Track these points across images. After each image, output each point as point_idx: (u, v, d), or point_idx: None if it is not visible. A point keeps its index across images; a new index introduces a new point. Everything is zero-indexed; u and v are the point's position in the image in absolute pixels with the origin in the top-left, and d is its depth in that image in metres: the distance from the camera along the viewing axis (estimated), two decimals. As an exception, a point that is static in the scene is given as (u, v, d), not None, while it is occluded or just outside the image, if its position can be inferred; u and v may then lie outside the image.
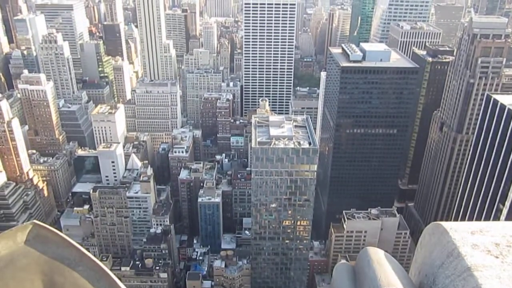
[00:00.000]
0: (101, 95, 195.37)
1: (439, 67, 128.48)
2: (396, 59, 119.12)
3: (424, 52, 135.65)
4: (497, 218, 75.55)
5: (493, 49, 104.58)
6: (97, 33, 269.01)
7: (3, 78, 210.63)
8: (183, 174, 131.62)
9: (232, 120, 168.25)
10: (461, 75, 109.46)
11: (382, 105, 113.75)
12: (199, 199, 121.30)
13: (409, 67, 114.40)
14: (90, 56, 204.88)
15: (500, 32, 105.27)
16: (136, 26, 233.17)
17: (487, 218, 78.54)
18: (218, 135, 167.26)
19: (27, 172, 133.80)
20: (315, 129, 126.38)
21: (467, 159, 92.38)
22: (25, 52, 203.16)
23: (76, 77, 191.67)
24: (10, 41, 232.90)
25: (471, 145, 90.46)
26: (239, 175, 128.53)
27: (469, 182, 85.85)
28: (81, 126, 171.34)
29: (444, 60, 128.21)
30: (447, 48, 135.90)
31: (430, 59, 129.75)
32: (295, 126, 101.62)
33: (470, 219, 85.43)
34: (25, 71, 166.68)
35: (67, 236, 4.41)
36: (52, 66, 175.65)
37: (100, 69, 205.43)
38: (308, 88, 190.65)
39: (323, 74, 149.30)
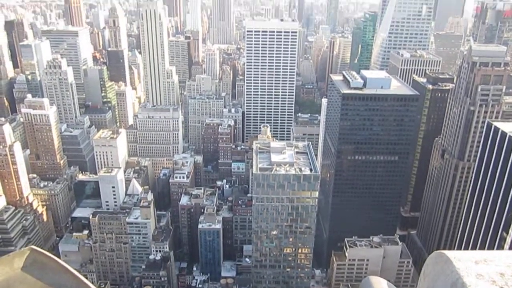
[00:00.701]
0: (104, 120, 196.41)
1: (439, 94, 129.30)
2: (397, 87, 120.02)
3: (424, 80, 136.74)
4: (501, 246, 74.62)
5: (492, 77, 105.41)
6: (101, 59, 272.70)
7: (6, 102, 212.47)
8: (184, 200, 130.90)
9: (233, 146, 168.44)
10: (462, 103, 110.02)
11: (383, 132, 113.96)
12: (199, 226, 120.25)
13: (410, 95, 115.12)
14: (93, 81, 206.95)
15: (499, 60, 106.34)
16: (140, 52, 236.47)
17: (490, 247, 77.57)
18: (219, 161, 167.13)
19: (27, 197, 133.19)
20: (316, 155, 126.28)
21: (469, 187, 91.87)
22: (29, 77, 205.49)
23: (79, 102, 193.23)
24: (15, 66, 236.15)
25: (473, 172, 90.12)
26: (240, 202, 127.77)
27: (472, 210, 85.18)
28: (83, 151, 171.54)
29: (444, 88, 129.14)
30: (447, 76, 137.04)
31: (430, 86, 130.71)
32: (297, 152, 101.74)
33: (474, 247, 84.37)
34: (29, 96, 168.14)
35: (65, 262, 4.35)
36: (55, 91, 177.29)
37: (103, 94, 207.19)
38: (309, 114, 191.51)
39: (324, 101, 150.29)
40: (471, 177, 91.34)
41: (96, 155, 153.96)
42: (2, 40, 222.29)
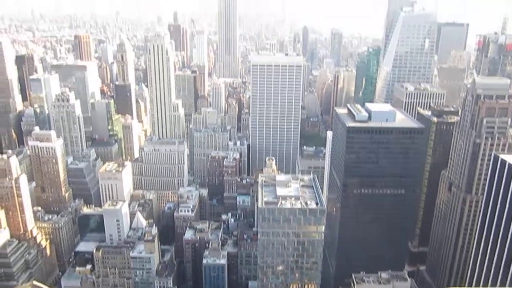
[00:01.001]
0: (110, 153, 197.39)
1: (444, 127, 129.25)
2: (402, 119, 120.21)
3: (429, 113, 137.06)
4: (513, 283, 72.69)
5: (497, 110, 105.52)
6: (109, 92, 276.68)
7: (14, 135, 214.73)
8: (188, 234, 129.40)
9: (238, 179, 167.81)
10: (467, 135, 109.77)
11: (389, 165, 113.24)
12: (204, 261, 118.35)
13: (415, 127, 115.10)
14: (100, 114, 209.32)
15: (503, 92, 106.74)
16: (147, 86, 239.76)
17: (503, 283, 75.53)
18: (224, 194, 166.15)
19: (31, 230, 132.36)
20: (322, 189, 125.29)
21: (478, 221, 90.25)
22: (38, 110, 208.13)
23: (86, 134, 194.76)
24: (24, 99, 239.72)
25: (481, 206, 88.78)
26: (245, 236, 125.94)
27: (482, 245, 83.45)
28: (88, 184, 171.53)
29: (449, 121, 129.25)
30: (452, 109, 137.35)
31: (435, 119, 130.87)
32: (302, 185, 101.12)
33: (485, 284, 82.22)
34: (36, 128, 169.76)
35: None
36: (63, 123, 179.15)
37: (109, 127, 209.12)
38: (314, 147, 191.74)
39: (329, 134, 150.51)
40: (480, 211, 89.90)
41: (101, 188, 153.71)
42: (12, 74, 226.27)
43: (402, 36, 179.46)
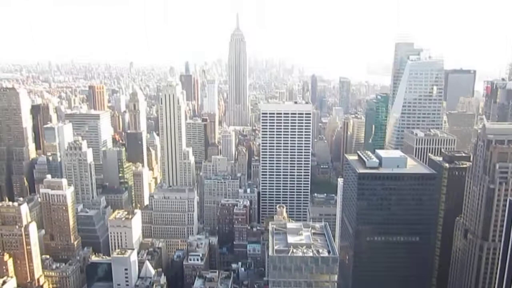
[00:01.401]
0: (120, 200, 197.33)
1: (457, 173, 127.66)
2: (413, 165, 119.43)
3: (441, 158, 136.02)
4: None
5: (510, 154, 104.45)
6: (121, 140, 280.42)
7: (26, 182, 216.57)
8: (197, 284, 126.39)
9: (249, 227, 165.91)
10: (480, 181, 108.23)
11: (402, 212, 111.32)
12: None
13: (427, 173, 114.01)
14: (112, 162, 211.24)
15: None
16: (158, 134, 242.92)
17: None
18: (234, 242, 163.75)
19: (38, 279, 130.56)
20: (334, 236, 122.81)
21: (497, 268, 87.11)
22: (50, 158, 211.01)
23: (97, 182, 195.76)
24: (38, 147, 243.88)
25: (499, 253, 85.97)
26: (256, 285, 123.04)
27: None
28: (97, 232, 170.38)
29: (461, 166, 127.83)
30: (463, 154, 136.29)
31: (447, 165, 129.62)
32: (314, 233, 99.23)
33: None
34: (48, 176, 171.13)
35: None
36: (74, 171, 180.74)
37: (120, 174, 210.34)
38: (325, 194, 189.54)
39: (340, 181, 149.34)
40: (498, 258, 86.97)
41: (111, 236, 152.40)
42: (27, 123, 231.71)
43: (410, 83, 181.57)
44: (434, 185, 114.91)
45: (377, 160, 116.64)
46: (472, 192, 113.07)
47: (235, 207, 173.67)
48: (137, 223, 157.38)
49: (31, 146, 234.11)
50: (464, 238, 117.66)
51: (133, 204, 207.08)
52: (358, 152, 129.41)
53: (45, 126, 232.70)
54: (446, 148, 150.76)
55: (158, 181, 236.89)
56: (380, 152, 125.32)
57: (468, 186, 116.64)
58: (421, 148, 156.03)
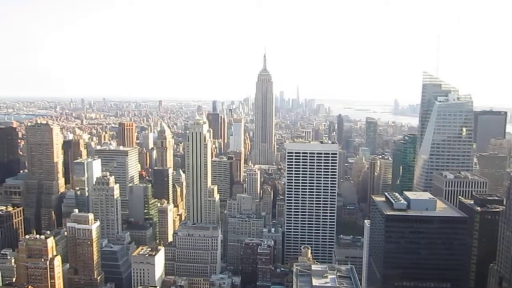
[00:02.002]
0: (144, 237, 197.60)
1: (489, 216, 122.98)
2: (443, 208, 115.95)
3: (472, 201, 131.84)
4: None
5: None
6: (147, 177, 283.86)
7: (54, 216, 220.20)
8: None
9: (272, 268, 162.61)
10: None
11: (432, 256, 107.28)
12: None
13: (458, 217, 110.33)
14: (138, 198, 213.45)
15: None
16: (184, 171, 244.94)
17: None
18: (257, 283, 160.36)
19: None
20: (360, 280, 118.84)
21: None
22: (78, 192, 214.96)
23: (122, 217, 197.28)
24: (67, 182, 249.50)
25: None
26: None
27: None
28: (121, 267, 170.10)
29: (494, 210, 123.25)
30: (496, 197, 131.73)
31: (478, 208, 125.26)
32: (339, 276, 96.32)
33: None
34: (76, 210, 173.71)
35: None
36: (101, 206, 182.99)
37: (145, 210, 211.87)
38: (351, 236, 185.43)
39: (366, 222, 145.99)
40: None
41: (133, 272, 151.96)
42: (58, 158, 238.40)
43: (438, 124, 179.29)
44: (465, 229, 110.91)
45: (405, 202, 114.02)
46: (507, 237, 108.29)
47: (259, 246, 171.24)
48: (160, 260, 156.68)
49: (61, 180, 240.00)
50: (499, 286, 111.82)
51: (157, 241, 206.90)
52: (386, 193, 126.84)
53: (75, 161, 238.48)
54: (477, 191, 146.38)
55: (183, 218, 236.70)
56: (408, 193, 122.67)
57: (501, 231, 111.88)
58: (451, 191, 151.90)
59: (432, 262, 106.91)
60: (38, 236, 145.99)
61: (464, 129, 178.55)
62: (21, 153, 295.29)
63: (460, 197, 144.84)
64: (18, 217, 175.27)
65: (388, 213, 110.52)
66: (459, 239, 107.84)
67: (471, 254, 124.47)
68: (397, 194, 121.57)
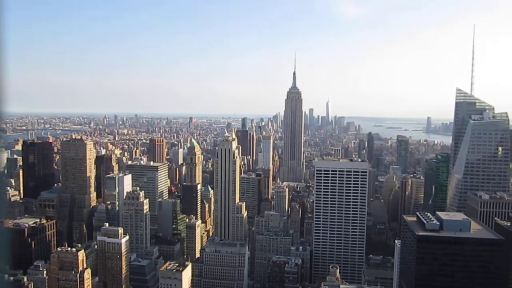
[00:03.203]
0: (172, 252, 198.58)
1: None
2: (477, 230, 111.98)
3: (508, 223, 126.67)
4: None
5: None
6: (176, 192, 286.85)
7: (85, 229, 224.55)
8: None
9: (300, 287, 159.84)
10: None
11: (467, 280, 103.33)
12: None
13: (494, 239, 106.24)
14: (166, 213, 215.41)
15: None
16: (212, 188, 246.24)
17: None
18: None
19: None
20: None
21: None
22: (109, 206, 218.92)
23: (151, 232, 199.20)
24: (98, 196, 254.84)
25: None
26: None
27: None
28: (148, 282, 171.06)
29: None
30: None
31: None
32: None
33: None
34: (106, 224, 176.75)
35: None
36: (131, 221, 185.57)
37: (174, 226, 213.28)
38: (381, 256, 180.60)
39: (397, 243, 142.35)
40: None
41: (161, 287, 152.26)
42: (91, 172, 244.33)
43: (473, 143, 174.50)
44: (502, 251, 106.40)
45: (438, 223, 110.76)
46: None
47: (287, 265, 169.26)
48: (187, 275, 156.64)
49: (93, 194, 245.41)
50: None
51: (185, 256, 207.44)
52: (417, 213, 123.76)
53: (106, 175, 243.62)
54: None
55: (210, 234, 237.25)
56: (441, 214, 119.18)
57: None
58: (486, 212, 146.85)
59: (466, 285, 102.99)
60: (69, 248, 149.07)
61: (500, 148, 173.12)
62: (56, 167, 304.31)
63: (496, 218, 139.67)
64: (51, 229, 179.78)
65: (420, 233, 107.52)
66: (495, 262, 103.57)
67: (508, 278, 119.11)
68: (429, 214, 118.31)
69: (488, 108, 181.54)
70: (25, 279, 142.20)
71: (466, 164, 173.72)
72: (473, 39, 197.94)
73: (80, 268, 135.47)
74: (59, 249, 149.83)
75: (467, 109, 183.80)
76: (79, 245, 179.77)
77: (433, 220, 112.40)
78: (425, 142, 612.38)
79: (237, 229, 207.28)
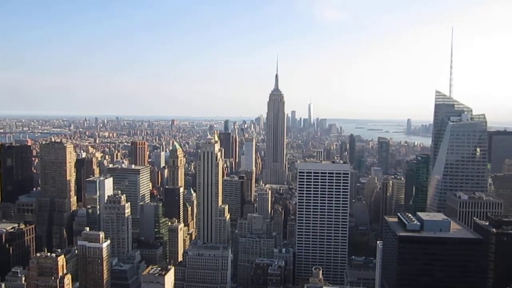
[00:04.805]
0: (154, 256, 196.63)
1: (505, 238, 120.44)
2: (457, 229, 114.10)
3: (487, 223, 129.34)
4: None
5: None
6: (158, 195, 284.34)
7: (65, 234, 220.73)
8: None
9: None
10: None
11: (446, 279, 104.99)
12: None
13: (473, 238, 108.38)
14: (148, 217, 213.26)
15: None
16: (195, 191, 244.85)
17: None
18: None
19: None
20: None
21: None
22: (90, 210, 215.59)
23: (133, 236, 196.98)
24: (79, 200, 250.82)
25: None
26: None
27: None
28: (130, 287, 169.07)
29: (510, 231, 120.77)
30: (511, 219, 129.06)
31: (494, 230, 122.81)
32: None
33: None
34: (87, 229, 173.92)
35: None
36: (112, 225, 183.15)
37: (156, 229, 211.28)
38: (364, 257, 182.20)
39: (379, 243, 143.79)
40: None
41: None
42: (71, 176, 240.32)
43: (452, 144, 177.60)
44: (481, 251, 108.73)
45: (419, 223, 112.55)
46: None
47: (270, 267, 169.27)
48: (170, 279, 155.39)
49: (73, 198, 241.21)
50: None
51: (167, 260, 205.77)
52: (398, 214, 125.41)
53: (87, 179, 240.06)
54: (492, 212, 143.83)
55: (193, 237, 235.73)
56: (422, 214, 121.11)
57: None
58: (465, 212, 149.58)
59: (446, 285, 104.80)
60: (49, 254, 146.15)
61: (478, 149, 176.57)
62: (35, 171, 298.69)
63: (474, 218, 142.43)
64: (30, 234, 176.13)
65: (401, 234, 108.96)
66: (475, 261, 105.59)
67: (487, 277, 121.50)
68: (410, 215, 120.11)
69: (466, 110, 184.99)
70: (3, 286, 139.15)
71: (446, 165, 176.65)
72: (451, 42, 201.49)
73: (60, 274, 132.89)
74: (38, 254, 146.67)
75: (446, 111, 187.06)
76: (59, 250, 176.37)
77: (414, 221, 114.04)
78: (405, 144, 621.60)
79: (220, 232, 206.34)
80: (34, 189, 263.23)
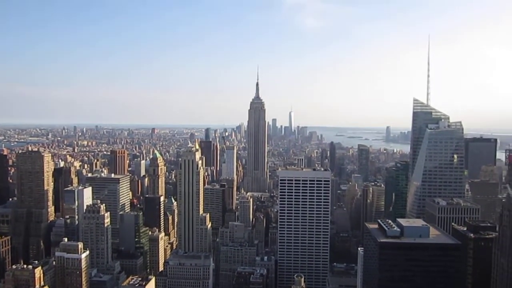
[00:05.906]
0: (134, 266, 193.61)
1: (482, 243, 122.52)
2: (436, 235, 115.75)
3: (465, 228, 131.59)
4: None
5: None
6: (138, 205, 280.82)
7: (43, 245, 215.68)
8: None
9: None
10: (509, 253, 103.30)
11: (427, 285, 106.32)
12: None
13: (451, 244, 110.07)
14: (128, 226, 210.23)
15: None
16: (176, 199, 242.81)
17: None
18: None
19: None
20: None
21: None
22: (68, 220, 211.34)
23: (113, 246, 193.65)
24: (57, 210, 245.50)
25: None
26: None
27: None
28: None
29: (487, 237, 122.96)
30: (489, 224, 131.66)
31: (472, 235, 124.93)
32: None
33: None
34: (65, 239, 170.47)
35: None
36: (91, 235, 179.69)
37: (136, 239, 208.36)
38: (345, 264, 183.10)
39: (360, 250, 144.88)
40: None
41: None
42: (49, 186, 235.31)
43: (430, 151, 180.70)
44: (459, 256, 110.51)
45: (399, 229, 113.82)
46: (500, 264, 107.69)
47: (252, 275, 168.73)
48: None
49: (51, 208, 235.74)
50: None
51: (148, 270, 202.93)
52: (379, 220, 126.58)
53: (65, 189, 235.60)
54: (470, 218, 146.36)
55: (174, 246, 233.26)
56: (401, 220, 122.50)
57: (495, 258, 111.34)
58: (444, 217, 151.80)
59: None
60: (25, 266, 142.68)
61: (455, 156, 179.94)
62: (11, 180, 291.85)
63: (453, 223, 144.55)
64: (5, 246, 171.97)
65: (382, 240, 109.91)
66: (454, 266, 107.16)
67: (465, 282, 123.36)
68: (390, 221, 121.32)
69: (444, 117, 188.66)
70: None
71: (424, 172, 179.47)
72: (428, 50, 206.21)
73: (37, 286, 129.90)
74: (14, 266, 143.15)
75: (424, 119, 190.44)
76: (36, 261, 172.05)
77: (394, 227, 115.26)
78: (385, 151, 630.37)
79: (202, 241, 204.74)
80: (10, 199, 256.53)
